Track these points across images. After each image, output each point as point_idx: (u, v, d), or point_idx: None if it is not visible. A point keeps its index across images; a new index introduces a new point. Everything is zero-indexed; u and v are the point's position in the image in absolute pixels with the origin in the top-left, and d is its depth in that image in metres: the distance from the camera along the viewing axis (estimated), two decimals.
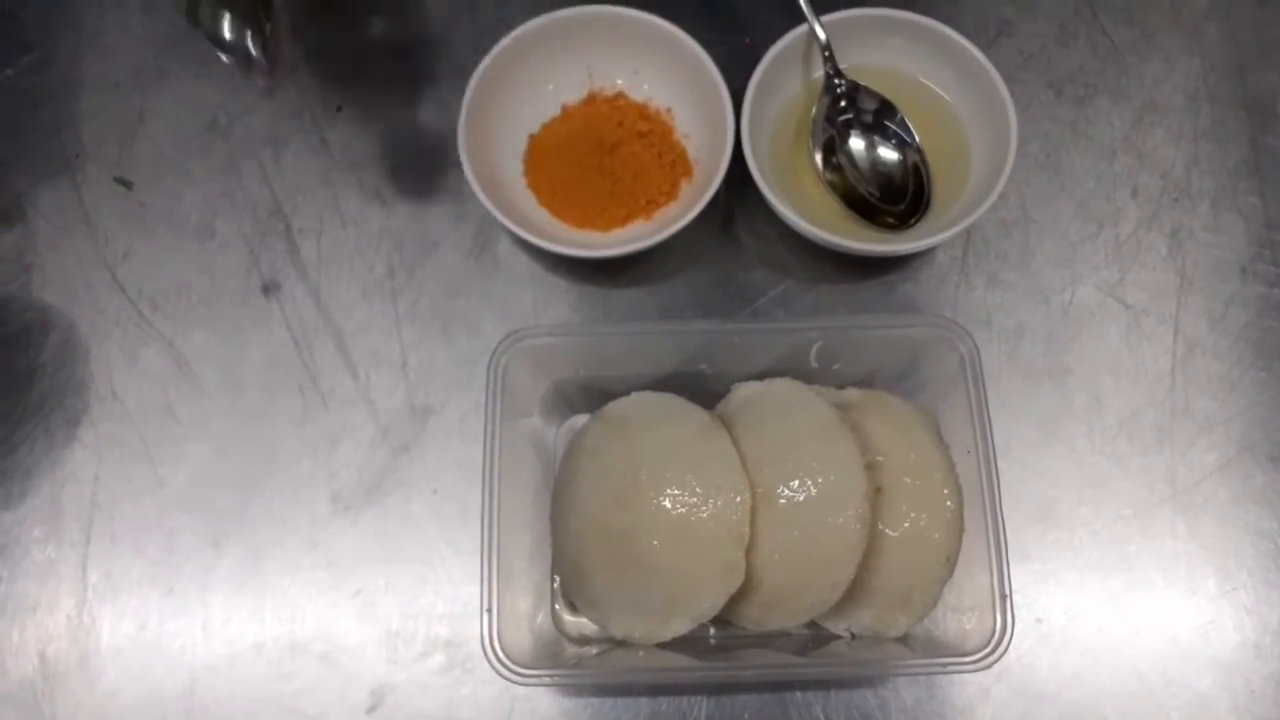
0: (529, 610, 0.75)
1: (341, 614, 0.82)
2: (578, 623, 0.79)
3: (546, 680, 0.71)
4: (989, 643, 0.71)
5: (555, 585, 0.79)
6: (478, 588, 0.69)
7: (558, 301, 0.90)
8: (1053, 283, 0.90)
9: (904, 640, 0.75)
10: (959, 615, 0.72)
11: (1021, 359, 0.88)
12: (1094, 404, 0.86)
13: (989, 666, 0.71)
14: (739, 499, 0.70)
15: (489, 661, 0.71)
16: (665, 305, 0.89)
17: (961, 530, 0.72)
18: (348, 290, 0.91)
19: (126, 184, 0.91)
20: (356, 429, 0.87)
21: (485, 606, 0.72)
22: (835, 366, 0.85)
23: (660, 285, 0.90)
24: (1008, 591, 0.72)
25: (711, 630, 0.77)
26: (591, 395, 0.80)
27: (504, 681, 0.69)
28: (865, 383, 0.86)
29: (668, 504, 0.70)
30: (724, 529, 0.70)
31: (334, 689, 0.79)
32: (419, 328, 0.89)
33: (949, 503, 0.72)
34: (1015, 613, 0.72)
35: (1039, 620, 0.81)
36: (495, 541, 0.74)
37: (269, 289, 0.91)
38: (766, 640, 0.77)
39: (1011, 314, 0.89)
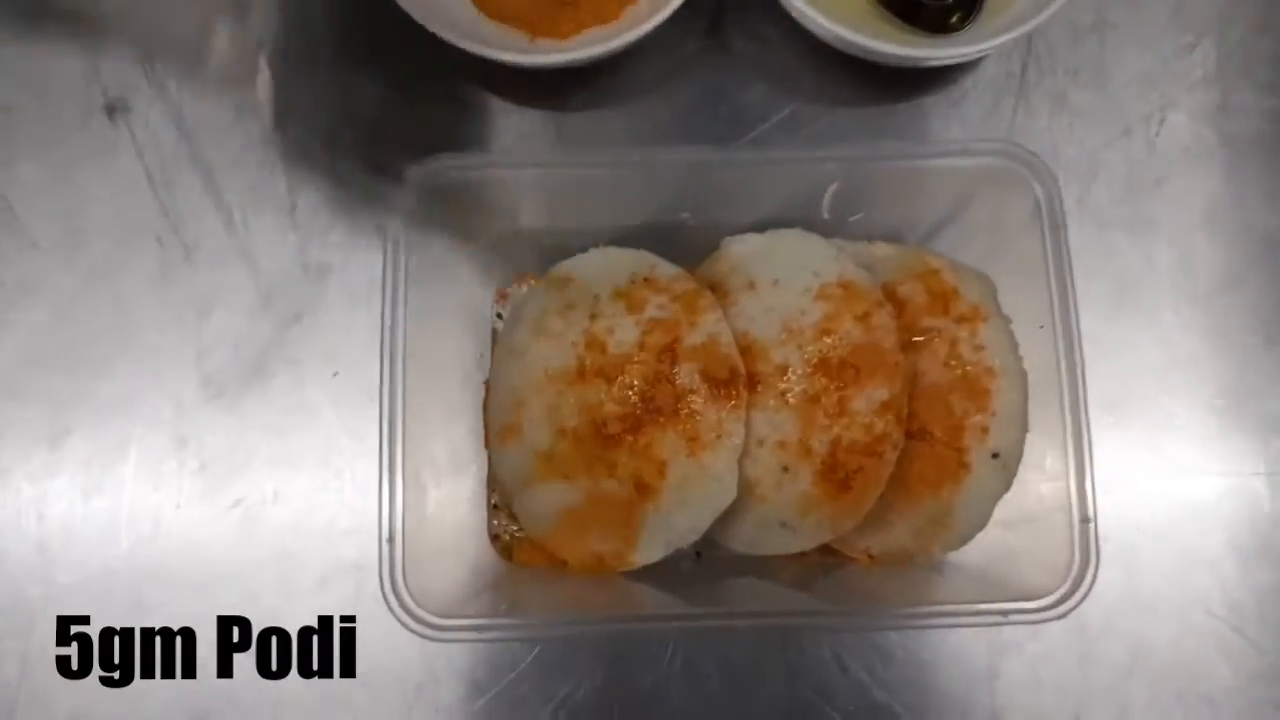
0: (455, 534, 0.63)
1: (217, 532, 0.68)
2: (521, 547, 0.66)
3: (470, 635, 0.53)
4: (1063, 582, 0.53)
5: (492, 500, 0.67)
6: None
7: (497, 128, 0.73)
8: (1135, 108, 0.73)
9: (939, 568, 0.63)
10: (1017, 541, 0.59)
11: (1093, 206, 0.72)
12: (1183, 265, 0.71)
13: (1063, 615, 0.53)
14: (731, 389, 0.57)
15: (391, 610, 0.52)
16: (635, 133, 0.73)
17: (1024, 429, 0.60)
18: (218, 109, 0.73)
19: None
20: (232, 292, 0.71)
21: (385, 534, 0.53)
22: (855, 218, 0.66)
23: (629, 108, 0.73)
24: (1091, 514, 0.54)
25: (688, 547, 0.63)
26: (540, 253, 0.67)
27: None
28: (895, 239, 0.66)
29: (636, 396, 0.58)
30: (710, 429, 0.57)
31: (206, 628, 0.66)
32: (313, 159, 0.73)
33: (1008, 393, 0.59)
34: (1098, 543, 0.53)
35: (1104, 539, 0.62)
36: (399, 448, 0.55)
37: (115, 109, 0.74)
38: (761, 566, 0.63)
39: (1082, 148, 0.72)
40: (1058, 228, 0.57)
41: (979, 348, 0.60)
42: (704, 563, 0.67)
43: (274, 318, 0.71)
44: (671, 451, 0.58)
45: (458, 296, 0.67)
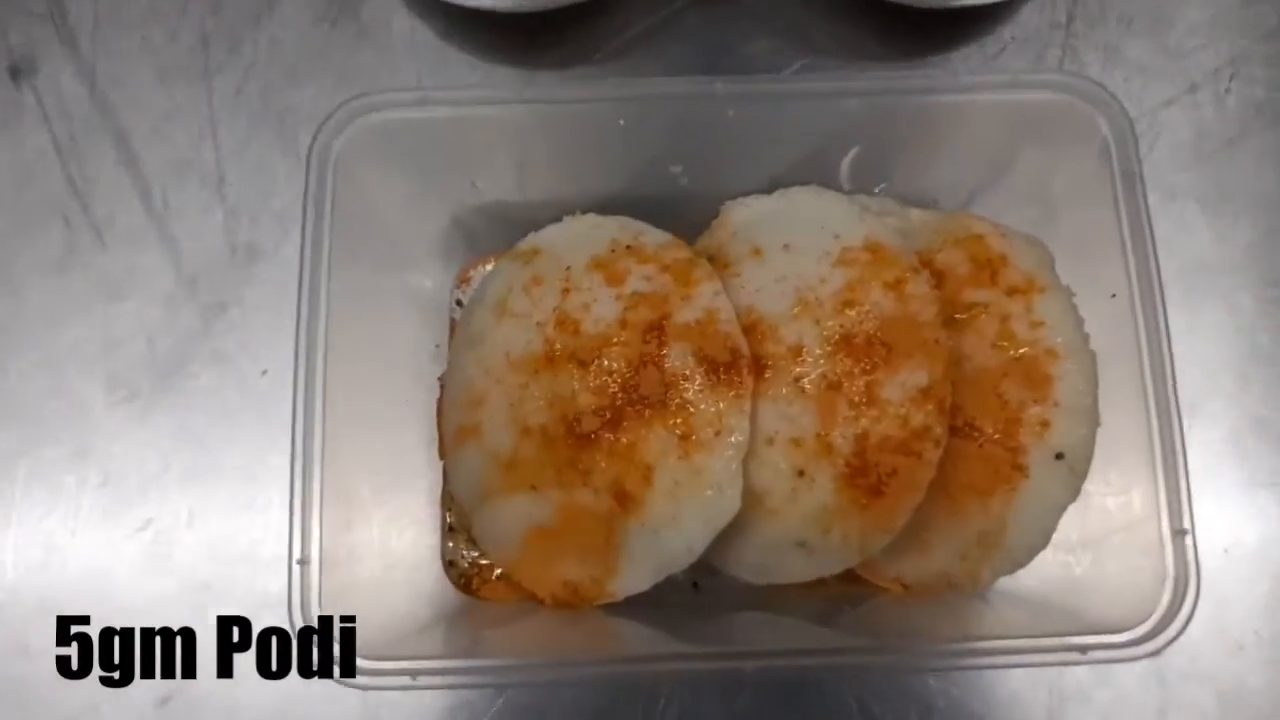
0: (399, 561, 0.54)
1: (121, 557, 0.59)
2: (483, 579, 0.57)
3: (415, 681, 0.42)
4: (1152, 609, 0.42)
5: (447, 521, 0.58)
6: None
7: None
8: (1201, 61, 0.65)
9: (986, 598, 0.53)
10: (1087, 562, 0.50)
11: (1154, 175, 0.63)
12: (1265, 243, 0.62)
13: (1156, 652, 0.41)
14: (733, 375, 0.47)
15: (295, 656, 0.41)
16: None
17: (1094, 423, 0.50)
18: (138, 70, 0.66)
19: None
20: (148, 278, 0.63)
21: (298, 555, 0.42)
22: (879, 188, 0.58)
23: (610, 65, 0.64)
24: (1188, 524, 0.42)
25: (682, 577, 0.54)
26: (508, 228, 0.58)
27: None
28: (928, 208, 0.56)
29: (616, 384, 0.49)
30: (707, 424, 0.47)
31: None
32: (245, 126, 0.66)
33: (1073, 379, 0.49)
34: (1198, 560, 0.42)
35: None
36: (317, 456, 0.46)
37: (20, 71, 0.66)
38: (771, 599, 0.54)
39: (1139, 107, 0.64)
40: (1132, 175, 0.48)
41: (1036, 324, 0.50)
42: (702, 595, 0.57)
43: (196, 307, 0.64)
44: (660, 453, 0.48)
45: (407, 279, 0.59)
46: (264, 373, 0.61)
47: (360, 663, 0.45)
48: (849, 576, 0.54)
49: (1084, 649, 0.43)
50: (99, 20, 0.66)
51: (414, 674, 0.44)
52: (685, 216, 0.56)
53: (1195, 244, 0.62)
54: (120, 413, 0.61)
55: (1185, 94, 0.64)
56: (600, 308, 0.50)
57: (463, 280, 0.61)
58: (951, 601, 0.53)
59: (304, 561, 0.44)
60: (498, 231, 0.59)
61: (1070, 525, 0.50)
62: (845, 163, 0.56)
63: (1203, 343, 0.61)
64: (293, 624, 0.44)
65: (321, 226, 0.50)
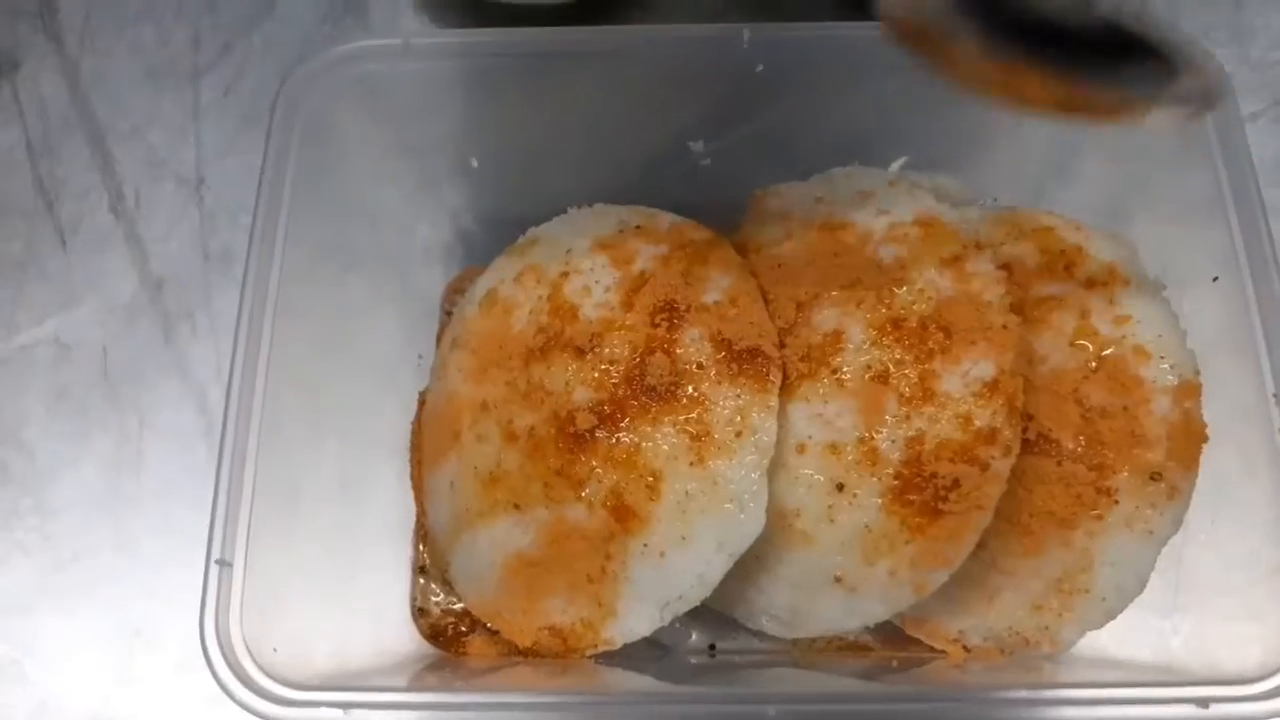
0: (358, 605, 0.45)
1: (46, 597, 0.51)
2: (458, 625, 0.49)
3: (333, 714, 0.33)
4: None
5: (420, 561, 0.50)
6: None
7: None
8: None
9: (1064, 660, 0.43)
10: (1194, 609, 0.40)
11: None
12: None
13: None
14: (758, 366, 0.40)
15: (217, 678, 0.32)
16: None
17: (1202, 438, 0.41)
18: (125, 69, 0.62)
19: None
20: (108, 281, 0.58)
21: (211, 599, 0.34)
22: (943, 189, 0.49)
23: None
24: None
25: (696, 639, 0.47)
26: (509, 229, 0.50)
27: None
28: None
29: (617, 374, 0.41)
30: (725, 423, 0.40)
31: None
32: (231, 127, 0.61)
33: (1169, 383, 0.41)
34: None
35: None
36: (246, 484, 0.38)
37: (3, 67, 0.62)
38: (800, 660, 0.46)
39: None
40: (1235, 136, 0.39)
41: (1121, 319, 0.42)
42: (719, 660, 0.47)
43: (157, 316, 0.58)
44: (668, 457, 0.40)
45: (385, 277, 0.51)
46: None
47: (273, 688, 0.36)
48: (895, 637, 0.45)
49: (1204, 701, 0.33)
50: (90, 18, 0.62)
51: (346, 706, 0.34)
52: (710, 215, 0.49)
53: None
54: (57, 434, 0.53)
55: (1271, 107, 0.57)
56: (602, 290, 0.43)
57: (456, 290, 0.54)
58: (1023, 665, 0.43)
59: (224, 562, 0.36)
60: (497, 236, 0.52)
61: (1170, 567, 0.41)
62: (894, 169, 0.49)
63: None
64: (203, 635, 0.35)
65: (278, 207, 0.43)
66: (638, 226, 0.45)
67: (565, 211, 0.49)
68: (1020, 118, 0.46)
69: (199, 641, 0.35)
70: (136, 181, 0.59)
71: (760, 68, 0.43)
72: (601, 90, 0.45)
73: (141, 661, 0.50)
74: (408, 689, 0.37)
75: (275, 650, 0.37)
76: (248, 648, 0.35)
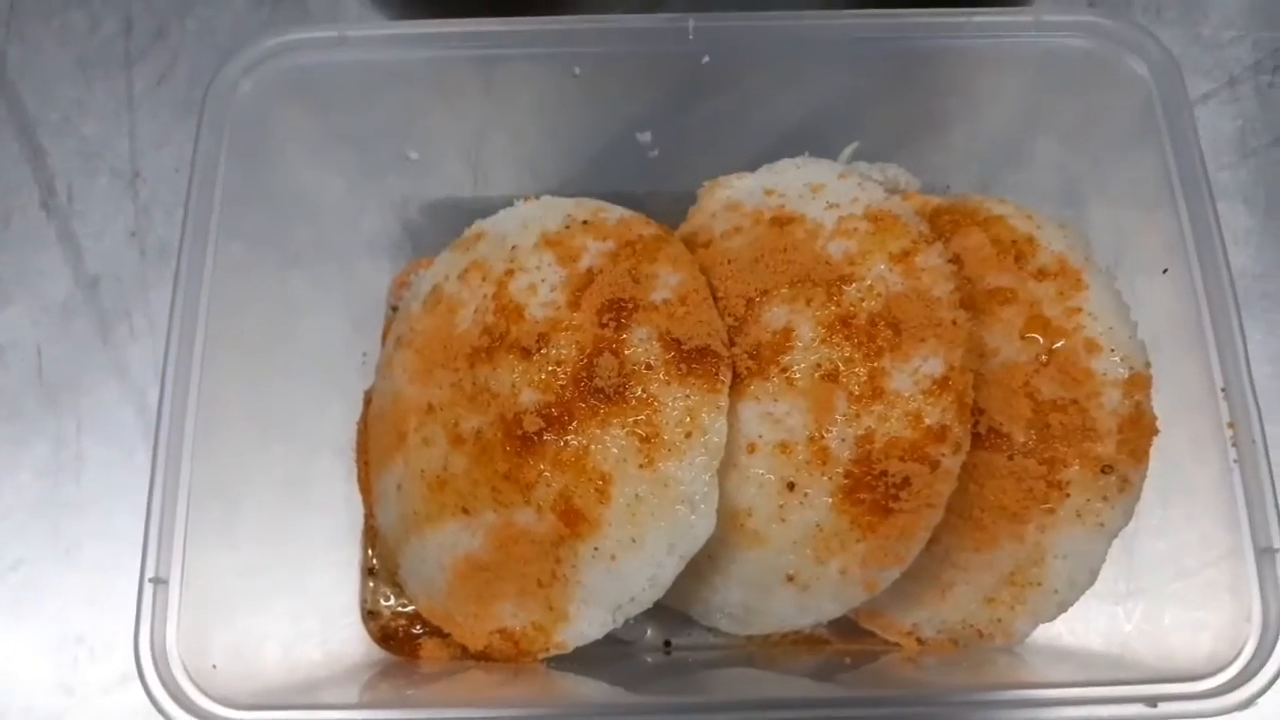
0: (315, 607, 0.45)
1: None
2: (409, 627, 0.48)
3: None
4: (1236, 653, 0.33)
5: (369, 563, 0.49)
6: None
7: None
8: (1239, 52, 0.58)
9: (1018, 652, 0.43)
10: (1146, 598, 0.40)
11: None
12: None
13: (1246, 704, 0.32)
14: (708, 365, 0.40)
15: (151, 697, 0.32)
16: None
17: (1151, 429, 0.41)
18: (53, 58, 0.60)
19: None
20: (40, 278, 0.56)
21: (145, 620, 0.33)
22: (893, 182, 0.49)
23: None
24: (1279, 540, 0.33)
25: (651, 635, 0.47)
26: (457, 220, 0.49)
27: None
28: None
29: (565, 375, 0.41)
30: (675, 424, 0.40)
31: None
32: (167, 117, 0.59)
33: (1120, 375, 0.41)
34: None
35: None
36: (182, 485, 0.37)
37: None
38: (757, 660, 0.46)
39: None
40: (1184, 125, 0.39)
41: (1072, 311, 0.41)
42: (675, 657, 0.46)
43: (93, 315, 0.57)
44: (617, 459, 0.39)
45: (325, 271, 0.50)
46: None
47: (221, 711, 0.35)
48: (850, 630, 0.45)
49: (1152, 700, 0.34)
50: (15, 3, 0.60)
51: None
52: (658, 206, 0.48)
53: (1244, 250, 0.54)
54: None
55: (1224, 88, 0.57)
56: (549, 288, 0.42)
57: (401, 284, 0.53)
58: (977, 657, 0.43)
59: (158, 580, 0.35)
60: (445, 228, 0.51)
61: (1122, 555, 0.41)
62: (846, 153, 0.48)
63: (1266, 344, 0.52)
64: (138, 658, 0.34)
65: (210, 200, 0.42)
66: (585, 221, 0.44)
67: (513, 204, 0.48)
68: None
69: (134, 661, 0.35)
70: (69, 175, 0.57)
71: (706, 59, 0.42)
72: (547, 82, 0.44)
73: (85, 671, 0.49)
74: (352, 706, 0.36)
75: (215, 667, 0.36)
76: (185, 667, 0.34)
